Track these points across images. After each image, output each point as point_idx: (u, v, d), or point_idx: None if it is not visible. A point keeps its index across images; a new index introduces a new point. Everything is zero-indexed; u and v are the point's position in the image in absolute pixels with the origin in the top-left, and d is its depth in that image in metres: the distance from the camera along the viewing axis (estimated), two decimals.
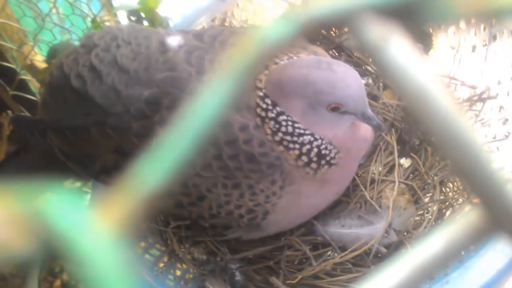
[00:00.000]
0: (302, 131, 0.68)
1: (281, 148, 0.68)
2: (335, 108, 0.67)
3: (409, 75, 0.19)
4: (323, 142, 0.69)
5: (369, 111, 0.69)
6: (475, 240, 0.21)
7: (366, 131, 0.75)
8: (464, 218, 0.22)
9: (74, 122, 0.71)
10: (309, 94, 0.66)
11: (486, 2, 0.17)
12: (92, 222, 0.16)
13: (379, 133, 0.89)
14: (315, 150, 0.69)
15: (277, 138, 0.68)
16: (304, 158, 0.69)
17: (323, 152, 0.69)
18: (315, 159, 0.69)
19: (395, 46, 0.19)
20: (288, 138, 0.68)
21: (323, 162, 0.70)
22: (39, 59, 1.07)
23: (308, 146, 0.69)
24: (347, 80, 0.67)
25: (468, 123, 0.19)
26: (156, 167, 0.18)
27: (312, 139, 0.69)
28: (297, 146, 0.68)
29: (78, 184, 0.93)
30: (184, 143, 0.18)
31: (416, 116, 0.19)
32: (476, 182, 0.19)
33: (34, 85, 1.04)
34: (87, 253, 0.16)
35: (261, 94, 0.67)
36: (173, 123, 0.19)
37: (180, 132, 0.19)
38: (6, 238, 0.15)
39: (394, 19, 0.18)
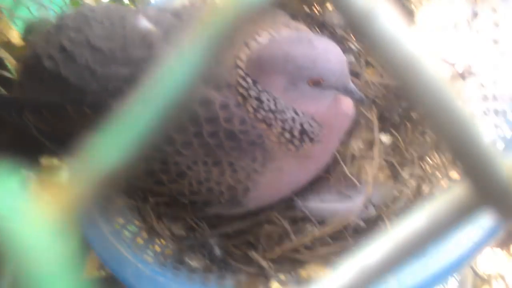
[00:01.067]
0: (284, 108, 0.68)
1: (263, 125, 0.68)
2: (317, 83, 0.66)
3: (398, 45, 0.18)
4: (306, 118, 0.69)
5: (351, 85, 0.69)
6: (460, 216, 0.20)
7: (347, 107, 0.75)
8: (448, 193, 0.21)
9: (50, 99, 0.70)
10: (290, 70, 0.66)
11: None
12: (32, 208, 0.14)
13: (360, 109, 0.89)
14: (298, 126, 0.69)
15: (259, 116, 0.68)
16: (287, 135, 0.69)
17: (305, 128, 0.70)
18: (297, 135, 0.69)
19: (383, 15, 0.18)
20: (270, 115, 0.68)
21: (306, 138, 0.70)
22: (15, 36, 1.05)
23: (290, 123, 0.69)
24: (328, 54, 0.67)
25: (457, 94, 0.18)
26: (112, 143, 0.16)
27: (294, 115, 0.69)
28: (279, 123, 0.68)
29: (54, 160, 0.92)
30: (146, 116, 0.16)
31: (404, 87, 0.18)
32: (464, 154, 0.19)
33: (11, 62, 1.02)
34: (24, 246, 0.14)
35: (242, 73, 0.67)
36: (134, 93, 0.17)
37: (142, 103, 0.17)
38: None
39: None
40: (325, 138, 0.72)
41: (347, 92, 0.70)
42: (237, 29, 0.17)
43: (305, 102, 0.69)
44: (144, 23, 0.69)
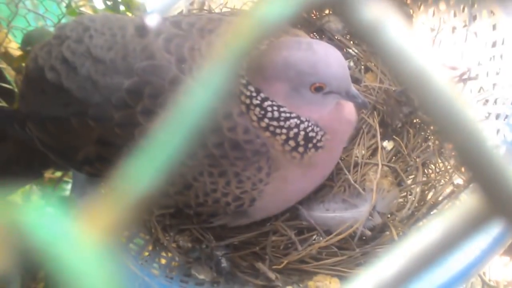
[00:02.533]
0: (288, 115, 0.68)
1: (267, 134, 0.68)
2: (319, 88, 0.66)
3: (406, 55, 0.18)
4: (310, 124, 0.69)
5: (353, 89, 0.69)
6: (474, 227, 0.21)
7: (350, 113, 0.75)
8: (461, 205, 0.21)
9: (54, 112, 0.69)
10: (291, 77, 0.65)
11: None
12: (76, 233, 0.15)
13: (362, 115, 0.89)
14: (302, 133, 0.69)
15: (263, 124, 0.67)
16: (291, 143, 0.69)
17: (310, 134, 0.69)
18: (302, 142, 0.69)
19: (391, 26, 0.18)
20: (275, 123, 0.67)
21: (310, 145, 0.70)
22: (14, 47, 1.04)
23: (295, 130, 0.68)
24: (329, 59, 0.66)
25: (467, 104, 0.18)
26: (146, 170, 0.16)
27: (298, 122, 0.68)
28: (284, 131, 0.68)
29: (58, 174, 0.92)
30: (176, 141, 0.17)
31: (415, 98, 0.19)
32: (476, 165, 0.19)
33: (9, 73, 1.01)
34: (72, 268, 0.14)
35: (243, 81, 0.67)
36: (164, 120, 0.18)
37: (172, 129, 0.18)
38: None
39: None
40: (329, 145, 0.72)
41: (350, 97, 0.70)
42: (259, 43, 0.18)
43: (308, 108, 0.68)
44: (145, 32, 0.69)
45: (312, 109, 0.69)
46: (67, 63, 0.68)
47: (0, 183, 0.74)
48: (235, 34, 0.18)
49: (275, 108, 0.67)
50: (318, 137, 0.70)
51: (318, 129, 0.70)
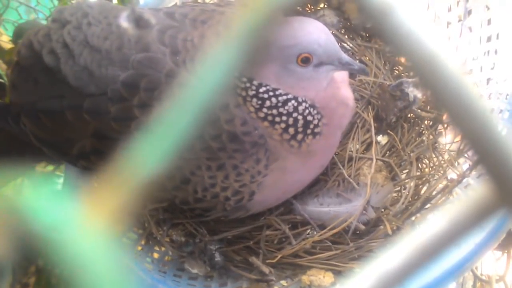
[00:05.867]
0: (284, 97, 0.67)
1: (265, 123, 0.67)
2: (305, 59, 0.65)
3: (417, 40, 0.18)
4: (307, 105, 0.68)
5: (345, 56, 0.67)
6: (481, 217, 0.20)
7: (348, 97, 0.74)
8: (468, 196, 0.21)
9: (48, 105, 0.68)
10: (276, 54, 0.65)
11: None
12: (79, 218, 0.15)
13: (357, 110, 0.89)
14: (301, 118, 0.68)
15: (261, 115, 0.67)
16: (291, 130, 0.68)
17: (308, 118, 0.68)
18: (301, 129, 0.68)
19: (401, 10, 0.18)
20: (274, 111, 0.67)
21: (308, 131, 0.69)
22: (5, 40, 1.03)
23: (294, 115, 0.67)
24: (308, 28, 0.66)
25: (476, 90, 0.18)
26: (152, 153, 0.16)
27: (296, 103, 0.67)
28: (283, 118, 0.67)
29: (50, 167, 0.91)
30: (185, 120, 0.16)
31: (424, 82, 0.18)
32: (485, 152, 0.18)
33: (1, 66, 1.00)
34: (76, 252, 0.14)
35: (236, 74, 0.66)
36: (161, 112, 0.17)
37: (170, 121, 0.17)
38: None
39: None
40: (326, 130, 0.71)
41: (344, 65, 0.67)
42: (273, 20, 0.18)
43: (302, 85, 0.67)
44: (139, 23, 0.68)
45: (306, 86, 0.67)
46: (67, 48, 0.66)
47: None
48: (247, 8, 0.18)
49: (270, 93, 0.66)
50: (315, 122, 0.69)
51: (315, 112, 0.68)
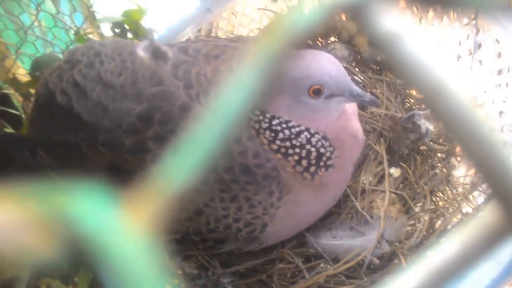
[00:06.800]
0: (297, 129, 0.67)
1: (279, 156, 0.68)
2: (317, 91, 0.66)
3: (426, 70, 0.18)
4: (319, 137, 0.68)
5: (356, 88, 0.68)
6: (492, 242, 0.20)
7: (357, 131, 0.74)
8: (479, 219, 0.21)
9: (64, 138, 0.70)
10: (288, 86, 0.66)
11: None
12: (123, 222, 0.16)
13: (369, 142, 0.89)
14: (314, 150, 0.68)
15: (274, 147, 0.67)
16: (304, 162, 0.68)
17: (321, 150, 0.69)
18: (314, 161, 0.69)
19: (410, 40, 0.18)
20: (287, 144, 0.67)
21: (321, 163, 0.69)
22: (22, 73, 1.05)
23: (307, 147, 0.68)
24: (320, 60, 0.67)
25: (484, 117, 0.18)
26: (179, 171, 0.17)
27: (308, 135, 0.68)
28: (297, 150, 0.68)
29: (62, 194, 0.91)
30: (205, 147, 0.17)
31: (432, 109, 0.19)
32: (494, 178, 0.19)
33: (17, 99, 1.02)
34: (121, 256, 0.15)
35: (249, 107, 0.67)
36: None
37: (201, 136, 0.18)
38: (29, 242, 0.15)
39: (424, 3, 0.18)
40: (338, 163, 0.71)
41: (355, 96, 0.68)
42: (291, 49, 0.18)
43: (313, 116, 0.68)
44: (154, 58, 0.70)
45: (318, 117, 0.68)
46: (78, 87, 0.68)
47: None
48: (267, 37, 0.19)
49: (283, 125, 0.67)
50: (328, 154, 0.69)
51: (327, 143, 0.69)
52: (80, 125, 0.68)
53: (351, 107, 0.75)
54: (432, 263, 0.22)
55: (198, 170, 0.18)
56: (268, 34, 0.19)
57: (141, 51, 0.70)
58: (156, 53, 0.69)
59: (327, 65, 0.66)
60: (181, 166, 0.18)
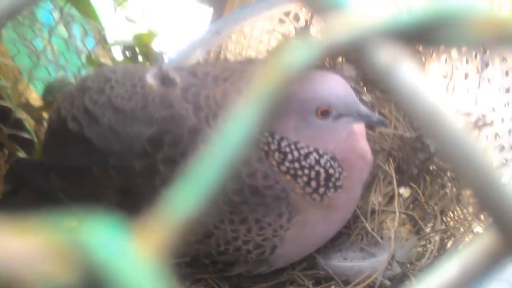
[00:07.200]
0: (306, 150, 0.68)
1: (288, 177, 0.68)
2: (325, 113, 0.66)
3: (420, 98, 0.19)
4: (328, 157, 0.69)
5: (364, 109, 0.68)
6: (491, 265, 0.21)
7: (365, 151, 0.75)
8: (478, 241, 0.21)
9: (76, 163, 0.71)
10: (296, 107, 0.66)
11: (506, 26, 0.18)
12: (133, 250, 0.16)
13: (378, 162, 0.89)
14: (323, 171, 0.69)
15: (283, 168, 0.68)
16: (313, 184, 0.69)
17: (329, 171, 0.69)
18: (323, 182, 0.69)
19: (405, 69, 0.19)
20: (296, 165, 0.68)
21: (330, 184, 0.70)
22: (35, 97, 1.07)
23: (316, 168, 0.68)
24: (328, 81, 0.67)
25: (480, 144, 0.19)
26: (188, 195, 0.18)
27: (317, 157, 0.68)
28: (306, 171, 0.68)
29: (74, 221, 0.92)
30: (214, 169, 0.18)
31: (430, 138, 0.20)
32: (490, 203, 0.19)
33: (29, 123, 1.03)
34: (131, 282, 0.16)
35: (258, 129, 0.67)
36: (203, 151, 0.19)
37: (210, 159, 0.19)
38: (47, 270, 0.15)
39: (409, 42, 0.19)
40: (347, 183, 0.71)
41: (363, 117, 0.69)
42: (287, 87, 0.19)
43: (322, 137, 0.68)
44: (164, 82, 0.71)
45: (326, 138, 0.69)
46: (88, 113, 0.69)
47: None
48: (263, 76, 0.19)
49: (292, 147, 0.67)
50: (337, 175, 0.70)
51: (336, 164, 0.70)
52: (92, 150, 0.69)
53: (359, 128, 0.76)
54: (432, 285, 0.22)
55: (207, 193, 0.19)
56: (264, 74, 0.19)
57: (150, 78, 0.71)
58: (165, 80, 0.70)
59: (334, 86, 0.67)
60: (190, 189, 0.19)
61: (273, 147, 0.67)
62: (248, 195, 0.67)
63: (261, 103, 0.19)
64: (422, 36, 0.19)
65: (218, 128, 0.19)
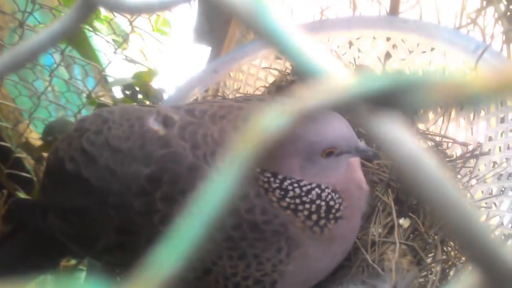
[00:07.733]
0: (308, 187, 0.69)
1: (288, 212, 0.69)
2: (330, 153, 0.68)
3: (399, 145, 0.20)
4: (329, 191, 0.70)
5: (361, 145, 0.71)
6: None
7: (361, 181, 0.76)
8: (463, 283, 0.22)
9: (75, 203, 0.71)
10: (302, 149, 0.67)
11: (462, 89, 0.19)
12: None
13: (376, 193, 0.89)
14: (324, 204, 0.69)
15: (283, 204, 0.68)
16: (314, 217, 0.69)
17: (330, 203, 0.70)
18: (323, 215, 0.69)
19: (388, 122, 0.20)
20: (297, 201, 0.68)
21: (330, 216, 0.70)
22: (35, 137, 1.08)
23: (317, 202, 0.69)
24: (333, 123, 0.69)
25: (456, 186, 0.20)
26: (170, 254, 0.18)
27: (319, 191, 0.69)
28: (307, 206, 0.69)
29: (73, 262, 0.92)
30: (195, 229, 0.19)
31: (408, 182, 0.20)
32: (469, 245, 0.20)
33: (29, 162, 1.05)
34: None
35: (258, 170, 0.68)
36: (185, 211, 0.20)
37: (191, 219, 0.20)
38: None
39: (378, 107, 0.20)
40: (347, 213, 0.72)
41: (360, 152, 0.72)
42: (263, 149, 0.20)
43: (325, 174, 0.70)
44: (161, 122, 0.72)
45: (329, 174, 0.70)
46: (86, 153, 0.70)
47: (18, 274, 0.75)
48: (241, 140, 0.21)
49: (295, 185, 0.68)
50: (337, 206, 0.70)
51: (336, 196, 0.70)
52: (90, 190, 0.70)
53: (355, 159, 0.77)
54: None
55: (204, 232, 0.19)
56: (242, 138, 0.21)
57: (153, 123, 0.72)
58: (165, 122, 0.71)
59: (339, 127, 0.69)
60: (174, 246, 0.19)
61: (274, 185, 0.68)
62: (247, 230, 0.67)
63: (240, 163, 0.20)
64: (388, 101, 0.20)
65: (215, 165, 0.20)
